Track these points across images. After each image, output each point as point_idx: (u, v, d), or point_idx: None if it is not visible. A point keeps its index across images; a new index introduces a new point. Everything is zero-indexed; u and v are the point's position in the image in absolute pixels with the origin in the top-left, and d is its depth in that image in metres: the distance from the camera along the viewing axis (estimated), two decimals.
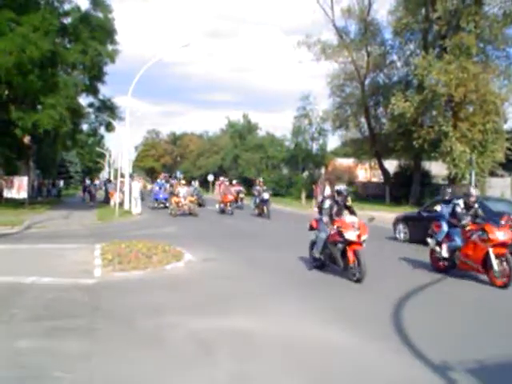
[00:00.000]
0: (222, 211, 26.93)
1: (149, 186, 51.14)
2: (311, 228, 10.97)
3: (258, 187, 27.03)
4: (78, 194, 52.66)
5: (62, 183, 53.60)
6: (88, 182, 46.46)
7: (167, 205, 27.67)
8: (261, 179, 30.17)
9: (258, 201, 26.10)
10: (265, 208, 24.99)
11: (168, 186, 32.16)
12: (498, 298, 8.48)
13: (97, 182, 52.42)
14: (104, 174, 73.35)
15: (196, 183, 38.53)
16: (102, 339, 5.93)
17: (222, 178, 34.29)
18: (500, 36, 30.18)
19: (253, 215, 25.74)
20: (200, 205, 30.64)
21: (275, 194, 48.59)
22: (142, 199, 31.36)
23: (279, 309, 7.47)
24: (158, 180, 35.07)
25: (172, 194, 26.67)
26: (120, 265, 10.09)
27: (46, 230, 17.92)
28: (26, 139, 33.46)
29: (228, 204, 26.89)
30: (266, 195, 25.30)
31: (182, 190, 25.46)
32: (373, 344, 5.82)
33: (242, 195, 32.03)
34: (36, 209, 26.97)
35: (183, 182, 28.02)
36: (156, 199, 31.00)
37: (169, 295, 8.23)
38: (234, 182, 34.44)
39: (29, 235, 16.38)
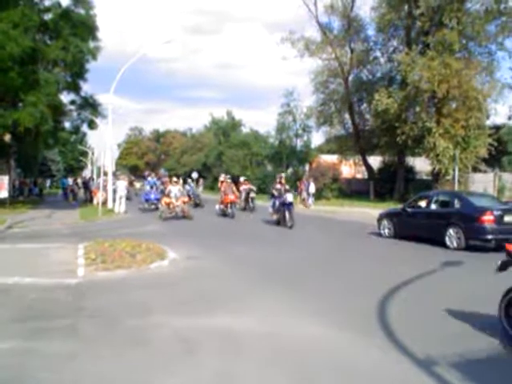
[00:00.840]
0: (223, 214, 23.55)
1: (138, 185, 48.31)
2: (505, 265, 6.10)
3: (278, 185, 20.44)
4: (60, 193, 52.05)
5: (48, 182, 52.57)
6: (70, 180, 46.10)
7: (159, 206, 24.37)
8: (283, 175, 24.31)
9: (277, 204, 19.74)
10: (287, 214, 18.73)
11: (160, 184, 30.42)
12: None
13: (78, 180, 51.94)
14: (87, 173, 72.61)
15: (180, 181, 37.50)
16: (86, 339, 5.84)
17: (223, 175, 29.09)
18: (482, 32, 30.43)
19: (268, 222, 20.26)
20: (197, 205, 28.68)
21: (259, 191, 48.65)
22: (129, 198, 30.59)
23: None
24: (149, 178, 31.27)
25: (163, 193, 24.65)
26: (104, 264, 9.97)
27: (28, 230, 17.68)
28: (7, 137, 32.95)
29: (229, 205, 23.21)
30: (289, 197, 19.03)
31: (174, 189, 22.33)
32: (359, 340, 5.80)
33: (252, 195, 27.42)
34: (17, 208, 26.64)
35: (175, 179, 24.73)
36: (147, 200, 27.22)
37: (153, 294, 8.13)
38: (242, 179, 29.64)
39: (11, 235, 16.14)
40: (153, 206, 26.25)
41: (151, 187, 28.66)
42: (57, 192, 59.75)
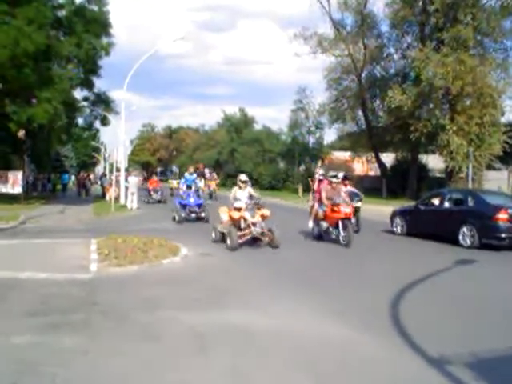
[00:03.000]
0: (319, 236, 14.05)
1: (174, 182, 39.98)
2: None
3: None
4: (73, 188, 52.40)
5: (67, 177, 52.30)
6: (83, 175, 46.44)
7: (202, 215, 18.71)
8: None
9: None
10: None
11: (201, 183, 24.49)
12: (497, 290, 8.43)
13: (91, 176, 52.28)
14: (99, 169, 73.01)
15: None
16: (98, 334, 5.85)
17: (320, 170, 17.51)
18: (497, 28, 30.18)
19: None
20: None
21: (271, 188, 48.71)
22: (161, 201, 29.28)
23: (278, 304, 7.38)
24: (186, 174, 22.08)
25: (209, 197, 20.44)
26: (116, 260, 9.99)
27: (41, 225, 17.82)
28: (21, 133, 33.22)
29: (341, 224, 13.11)
30: None
31: (243, 195, 13.14)
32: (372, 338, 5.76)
33: (358, 203, 15.91)
34: (31, 204, 26.83)
35: (244, 178, 13.64)
36: (183, 205, 19.16)
37: (165, 290, 8.14)
38: (341, 175, 15.78)
39: (24, 230, 16.27)
40: (193, 215, 19.05)
41: (189, 187, 20.34)
42: (71, 188, 60.21)
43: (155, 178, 35.21)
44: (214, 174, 37.08)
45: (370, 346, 5.55)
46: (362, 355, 5.27)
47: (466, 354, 5.19)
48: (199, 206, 19.19)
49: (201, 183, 25.13)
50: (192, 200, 19.10)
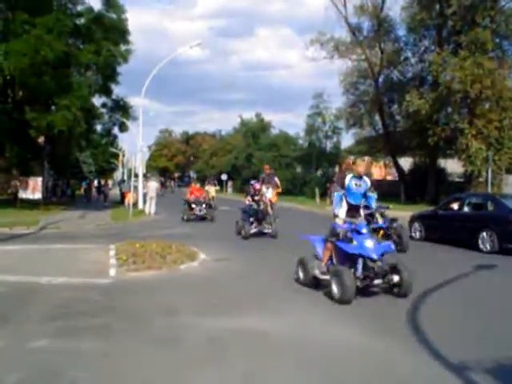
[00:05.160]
0: None
1: (212, 190, 30.25)
2: None
3: None
4: (92, 194, 52.89)
5: (97, 183, 53.04)
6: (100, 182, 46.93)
7: (395, 280, 7.79)
8: None
9: None
10: None
11: (269, 192, 16.66)
12: None
13: (109, 181, 52.72)
14: (118, 174, 73.58)
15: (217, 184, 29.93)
16: (117, 339, 5.89)
17: None
18: None
19: None
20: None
21: (288, 193, 48.66)
22: (207, 217, 21.76)
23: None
24: (349, 179, 8.32)
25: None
26: (134, 265, 10.06)
27: (60, 231, 17.99)
28: (41, 140, 33.71)
29: None
30: None
31: None
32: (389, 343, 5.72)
33: None
34: (51, 209, 27.09)
35: None
36: (353, 256, 7.77)
37: (183, 295, 8.17)
38: None
39: (44, 235, 16.45)
40: (378, 282, 7.95)
41: (353, 208, 8.44)
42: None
43: (197, 185, 25.84)
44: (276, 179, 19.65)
45: (388, 350, 5.51)
46: (381, 361, 5.23)
47: (488, 360, 5.11)
48: (382, 255, 8.07)
49: (268, 193, 16.74)
50: (371, 244, 7.81)
